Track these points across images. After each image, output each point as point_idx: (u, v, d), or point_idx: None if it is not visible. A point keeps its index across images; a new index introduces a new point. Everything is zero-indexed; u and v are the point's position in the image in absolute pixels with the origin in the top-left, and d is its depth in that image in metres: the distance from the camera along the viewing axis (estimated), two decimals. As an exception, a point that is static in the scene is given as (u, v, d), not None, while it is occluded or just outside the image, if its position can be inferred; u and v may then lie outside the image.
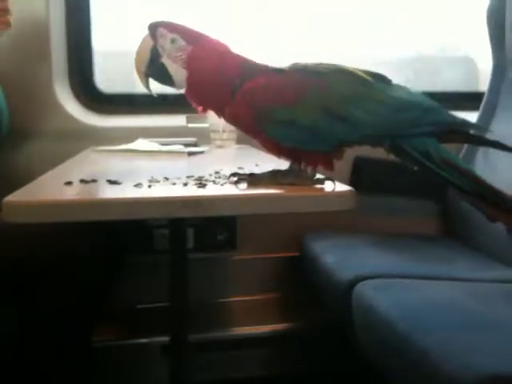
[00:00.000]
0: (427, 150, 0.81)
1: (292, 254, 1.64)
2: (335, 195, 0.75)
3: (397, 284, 1.16)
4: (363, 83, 0.83)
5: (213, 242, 1.62)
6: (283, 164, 0.86)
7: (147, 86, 0.88)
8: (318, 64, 0.85)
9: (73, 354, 1.30)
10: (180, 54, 0.85)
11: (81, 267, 1.27)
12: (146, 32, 0.86)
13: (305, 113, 0.80)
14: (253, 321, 1.60)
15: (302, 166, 0.86)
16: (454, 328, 0.94)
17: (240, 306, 1.66)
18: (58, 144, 1.55)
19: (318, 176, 0.83)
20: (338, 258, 1.35)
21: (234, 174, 0.86)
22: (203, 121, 1.56)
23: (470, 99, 1.80)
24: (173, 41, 0.85)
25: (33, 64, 1.55)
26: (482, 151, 1.61)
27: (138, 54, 0.86)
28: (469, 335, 0.92)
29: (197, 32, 0.87)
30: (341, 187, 0.77)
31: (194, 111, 1.59)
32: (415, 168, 0.84)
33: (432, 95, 1.87)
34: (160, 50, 0.85)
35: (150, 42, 0.85)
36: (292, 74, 0.83)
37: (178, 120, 1.67)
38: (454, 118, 0.85)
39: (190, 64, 0.84)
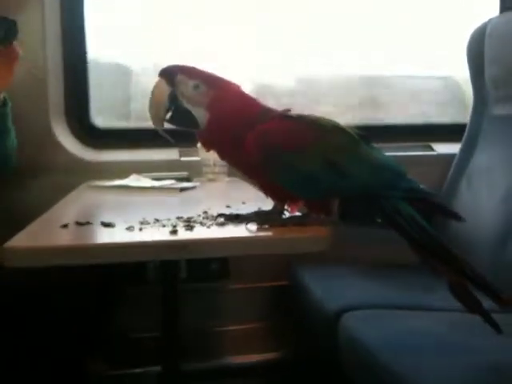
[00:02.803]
0: (399, 208, 0.89)
1: (283, 283, 1.68)
2: (310, 237, 0.80)
3: (380, 315, 1.21)
4: (354, 142, 0.91)
5: (206, 272, 1.66)
6: (268, 201, 0.93)
7: (163, 131, 0.91)
8: (319, 117, 0.92)
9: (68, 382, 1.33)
10: (202, 98, 0.88)
11: (76, 298, 1.31)
12: (158, 78, 0.88)
13: (308, 161, 0.86)
14: (244, 350, 1.64)
15: (286, 207, 0.93)
16: (431, 358, 0.98)
17: (232, 334, 1.70)
18: (55, 179, 1.59)
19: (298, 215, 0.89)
20: (324, 288, 1.40)
21: (220, 215, 0.92)
22: (196, 154, 1.62)
23: (452, 131, 1.86)
24: (196, 87, 0.88)
25: (31, 102, 1.60)
26: (465, 181, 1.67)
27: (156, 101, 0.89)
28: (444, 365, 0.96)
29: (214, 75, 0.91)
30: (315, 230, 0.83)
31: (187, 145, 1.67)
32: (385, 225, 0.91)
33: (416, 127, 1.95)
34: (179, 95, 0.88)
35: (167, 89, 0.88)
36: (299, 122, 0.89)
37: (170, 153, 1.73)
38: (420, 187, 0.94)
39: (213, 107, 0.88)
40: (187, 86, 0.88)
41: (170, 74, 0.89)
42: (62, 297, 1.27)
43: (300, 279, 1.54)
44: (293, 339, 1.66)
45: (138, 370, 1.56)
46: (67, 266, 0.77)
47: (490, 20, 1.65)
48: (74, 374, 1.35)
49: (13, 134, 1.40)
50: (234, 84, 0.93)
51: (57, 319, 1.26)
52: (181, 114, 0.89)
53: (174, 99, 0.89)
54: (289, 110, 0.95)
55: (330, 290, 1.38)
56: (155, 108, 0.89)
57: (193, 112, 0.89)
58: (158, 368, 1.37)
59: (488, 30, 1.64)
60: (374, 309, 1.24)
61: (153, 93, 0.89)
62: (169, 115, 0.90)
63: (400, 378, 0.94)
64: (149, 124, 1.83)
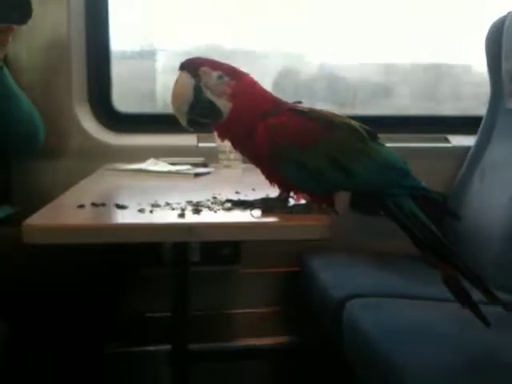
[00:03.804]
0: (401, 204, 0.93)
1: (293, 270, 1.72)
2: (312, 225, 0.83)
3: (383, 303, 1.24)
4: (362, 140, 0.93)
5: (218, 256, 1.70)
6: (276, 189, 0.96)
7: (187, 123, 0.93)
8: (331, 113, 0.95)
9: (86, 361, 1.39)
10: (225, 89, 0.91)
11: (93, 277, 1.36)
12: (180, 72, 0.90)
13: (315, 157, 0.90)
14: (253, 333, 1.69)
15: (291, 194, 0.96)
16: (430, 348, 1.01)
17: (242, 318, 1.74)
18: (77, 161, 1.66)
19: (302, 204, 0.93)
20: (332, 275, 1.43)
21: (228, 201, 0.96)
22: (213, 140, 1.66)
23: (469, 123, 1.86)
24: (220, 77, 0.91)
25: (55, 86, 1.66)
26: (478, 174, 1.68)
27: (180, 94, 0.90)
28: (442, 355, 0.99)
29: (232, 66, 0.94)
30: (317, 219, 0.86)
31: (205, 131, 1.71)
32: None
33: (434, 119, 1.95)
34: (203, 87, 0.91)
35: (192, 81, 0.90)
36: (310, 118, 0.92)
37: (189, 139, 1.77)
38: (424, 185, 0.98)
39: (235, 97, 0.91)
40: (211, 77, 0.90)
41: (193, 67, 0.90)
42: (81, 279, 1.32)
43: (309, 266, 1.58)
44: (302, 324, 1.70)
45: (150, 348, 1.61)
46: (81, 244, 0.81)
47: (510, 13, 1.64)
48: (89, 351, 1.41)
49: (24, 100, 1.43)
50: (248, 75, 0.95)
51: (73, 298, 1.32)
52: (204, 106, 0.91)
53: (198, 91, 0.90)
54: (299, 102, 0.98)
55: (336, 277, 1.42)
56: (179, 101, 0.90)
57: (217, 103, 0.91)
58: (168, 347, 1.43)
59: (507, 23, 1.63)
60: (377, 297, 1.27)
61: (176, 86, 0.91)
62: (192, 108, 0.91)
63: (397, 366, 0.97)
64: (169, 110, 1.89)
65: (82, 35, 1.73)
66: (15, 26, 1.28)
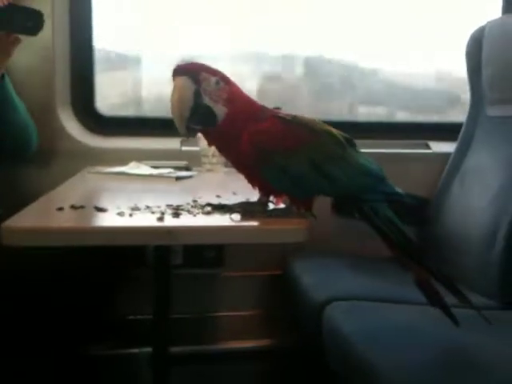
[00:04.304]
0: (376, 209, 0.96)
1: (276, 273, 1.73)
2: (290, 228, 0.84)
3: (363, 306, 1.26)
4: (342, 147, 0.96)
5: (202, 259, 1.71)
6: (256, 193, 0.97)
7: (185, 130, 0.90)
8: (313, 120, 0.97)
9: (68, 363, 1.39)
10: (222, 94, 0.91)
11: (75, 279, 1.36)
12: (179, 77, 0.87)
13: (297, 163, 0.91)
14: (236, 336, 1.70)
15: (271, 199, 0.98)
16: (406, 350, 1.03)
17: (225, 321, 1.75)
18: (59, 163, 1.65)
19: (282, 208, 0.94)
20: (314, 278, 1.45)
21: (208, 205, 0.97)
22: (196, 144, 1.67)
23: (449, 130, 1.89)
24: (217, 83, 0.91)
25: (38, 88, 1.65)
26: (458, 180, 1.70)
27: (182, 99, 0.88)
28: (419, 357, 1.00)
29: (221, 71, 0.93)
30: (295, 222, 0.87)
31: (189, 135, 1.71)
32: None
33: (415, 125, 1.98)
34: (202, 93, 0.90)
35: (192, 86, 0.88)
36: (293, 125, 0.93)
37: (172, 143, 1.77)
38: (399, 191, 1.01)
39: (230, 103, 0.91)
40: (210, 83, 0.90)
41: (193, 72, 0.89)
42: (64, 280, 1.31)
43: (291, 269, 1.59)
44: (285, 327, 1.71)
45: (132, 351, 1.61)
46: (60, 247, 0.82)
47: (489, 22, 1.67)
48: (71, 353, 1.40)
49: (21, 107, 1.45)
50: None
51: (55, 301, 1.31)
52: (203, 112, 0.90)
53: (197, 97, 0.89)
54: (279, 108, 0.99)
55: (318, 280, 1.43)
56: (181, 107, 0.88)
57: (214, 109, 0.90)
58: (150, 349, 1.42)
59: (486, 32, 1.66)
60: (357, 300, 1.29)
61: (177, 92, 0.88)
62: (191, 113, 0.89)
63: (374, 369, 0.98)
64: (152, 113, 1.89)
65: (65, 37, 1.73)
66: (23, 37, 1.30)
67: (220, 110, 0.91)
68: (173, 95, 0.89)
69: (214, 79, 0.91)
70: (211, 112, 0.91)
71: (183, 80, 0.88)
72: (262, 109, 0.96)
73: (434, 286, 1.01)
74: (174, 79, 0.89)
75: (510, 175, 1.46)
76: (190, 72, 0.89)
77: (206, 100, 0.90)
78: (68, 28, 1.74)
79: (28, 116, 1.48)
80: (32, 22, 1.26)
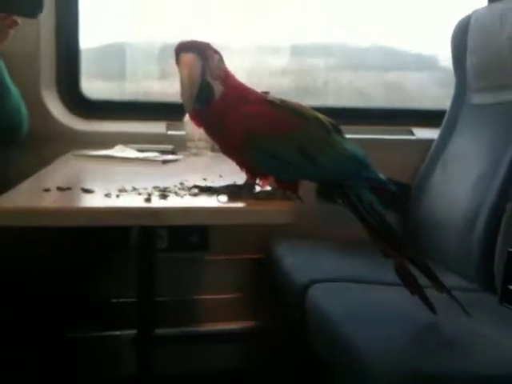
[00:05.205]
0: (360, 194, 0.99)
1: (260, 257, 1.75)
2: (276, 210, 0.86)
3: (345, 287, 1.28)
4: (328, 132, 0.97)
5: (185, 243, 1.72)
6: (243, 175, 0.98)
7: (192, 108, 0.89)
8: (300, 105, 0.97)
9: (51, 346, 1.40)
10: (220, 72, 0.90)
11: (58, 262, 1.37)
12: (187, 54, 0.85)
13: (284, 147, 0.92)
14: (220, 318, 1.72)
15: (257, 181, 0.99)
16: (390, 329, 1.06)
17: (209, 303, 1.77)
18: (44, 147, 1.63)
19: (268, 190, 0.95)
20: (296, 261, 1.47)
21: (194, 187, 0.97)
22: (182, 128, 1.67)
23: (433, 117, 1.91)
24: (219, 60, 0.90)
25: (22, 70, 1.63)
26: (440, 166, 1.73)
27: (192, 76, 0.86)
28: (403, 336, 1.04)
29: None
30: (281, 204, 0.89)
31: (174, 119, 1.71)
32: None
33: (399, 112, 2.00)
34: (207, 70, 0.88)
35: (200, 63, 0.87)
36: (282, 109, 0.93)
37: (158, 127, 1.78)
38: (382, 177, 1.02)
39: (226, 82, 0.91)
40: (214, 60, 0.89)
41: (201, 49, 0.87)
42: (45, 262, 1.32)
43: (275, 253, 1.61)
44: (268, 309, 1.73)
45: (116, 333, 1.62)
46: (45, 228, 0.82)
47: (475, 11, 1.69)
48: (54, 336, 1.41)
49: (14, 92, 1.44)
50: None
51: (39, 283, 1.32)
52: (204, 89, 0.88)
53: (203, 74, 0.88)
54: (267, 93, 1.00)
55: (301, 263, 1.46)
56: (191, 84, 0.86)
57: (213, 86, 0.89)
58: (134, 331, 1.44)
59: (472, 21, 1.68)
60: (339, 282, 1.31)
61: (187, 68, 0.86)
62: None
63: (356, 348, 1.01)
64: (138, 97, 1.88)
65: (51, 20, 1.72)
66: (21, 19, 1.29)
67: (217, 89, 0.90)
68: (182, 72, 0.87)
69: (217, 57, 0.90)
70: (211, 90, 0.90)
71: (192, 56, 0.86)
72: (252, 91, 0.96)
73: (411, 273, 1.04)
74: (179, 56, 0.87)
75: (491, 162, 1.49)
76: (197, 48, 0.87)
77: (209, 77, 0.89)
78: (54, 9, 1.72)
79: (21, 100, 1.47)
80: (31, 4, 1.24)
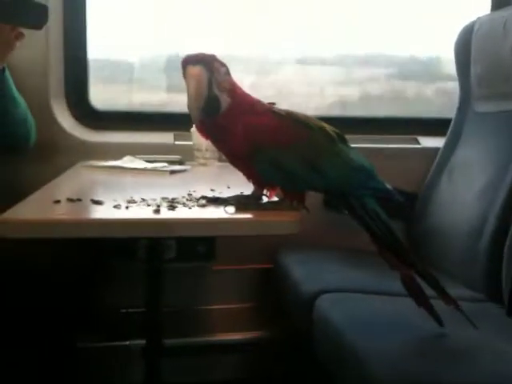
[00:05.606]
0: (365, 204, 0.99)
1: (267, 266, 1.75)
2: (283, 221, 0.87)
3: (353, 298, 1.28)
4: (334, 143, 0.98)
5: (194, 253, 1.73)
6: (250, 186, 0.99)
7: (199, 120, 0.91)
8: (306, 116, 0.98)
9: (60, 356, 1.40)
10: (227, 85, 0.92)
11: (67, 273, 1.37)
12: (193, 66, 0.87)
13: (291, 158, 0.93)
14: (227, 329, 1.72)
15: (264, 192, 1.00)
16: (397, 341, 1.06)
17: (216, 314, 1.77)
18: (53, 157, 1.66)
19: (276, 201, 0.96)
20: (303, 271, 1.47)
21: (202, 198, 0.98)
22: (189, 139, 1.68)
23: (438, 125, 1.92)
24: (226, 73, 0.92)
25: (32, 81, 1.65)
26: (446, 174, 1.73)
27: (199, 89, 0.88)
28: (409, 348, 1.04)
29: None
30: (288, 215, 0.89)
31: (182, 129, 1.73)
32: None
33: (404, 121, 2.00)
34: (213, 82, 0.90)
35: (207, 75, 0.88)
36: (288, 121, 0.95)
37: (165, 137, 1.79)
38: (388, 187, 1.03)
39: (233, 93, 0.92)
40: (220, 73, 0.90)
41: (208, 61, 0.89)
42: (55, 272, 1.32)
43: (282, 263, 1.61)
44: (276, 319, 1.73)
45: (124, 343, 1.63)
46: (55, 239, 0.83)
47: (479, 18, 1.70)
48: (64, 346, 1.42)
49: (21, 102, 1.46)
50: None
51: (50, 293, 1.32)
52: (211, 101, 0.90)
53: (210, 86, 0.89)
54: (273, 104, 1.01)
55: (308, 273, 1.46)
56: (198, 97, 0.88)
57: (220, 98, 0.91)
58: (143, 342, 1.44)
59: (475, 28, 1.69)
60: (347, 292, 1.31)
61: (194, 81, 0.88)
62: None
63: (363, 359, 1.01)
64: (146, 108, 1.89)
65: (59, 30, 1.74)
66: (26, 31, 1.30)
67: (224, 101, 0.92)
68: (189, 84, 0.88)
69: (223, 69, 0.91)
70: (218, 102, 0.91)
71: (199, 69, 0.88)
72: (258, 102, 0.98)
73: (418, 284, 1.04)
74: (186, 68, 0.89)
75: (496, 170, 1.49)
76: (204, 61, 0.89)
77: (215, 90, 0.90)
78: (62, 20, 1.74)
79: (27, 110, 1.48)
80: (37, 16, 1.24)
